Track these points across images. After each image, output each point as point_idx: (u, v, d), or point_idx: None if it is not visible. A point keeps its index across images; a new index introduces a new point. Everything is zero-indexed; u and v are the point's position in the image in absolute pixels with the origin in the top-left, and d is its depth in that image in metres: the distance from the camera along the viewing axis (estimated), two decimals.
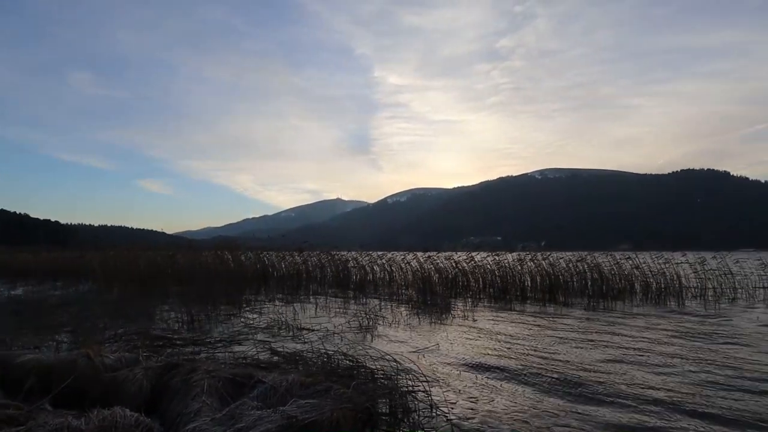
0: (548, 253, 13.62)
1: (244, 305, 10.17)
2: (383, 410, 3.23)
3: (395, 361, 4.01)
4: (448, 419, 3.38)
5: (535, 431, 3.27)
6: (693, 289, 11.72)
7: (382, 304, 10.71)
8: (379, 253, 17.21)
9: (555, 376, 4.57)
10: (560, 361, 5.22)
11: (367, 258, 16.08)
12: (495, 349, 5.90)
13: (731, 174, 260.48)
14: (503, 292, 12.37)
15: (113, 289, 13.33)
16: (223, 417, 2.82)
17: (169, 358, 4.36)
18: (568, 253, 14.13)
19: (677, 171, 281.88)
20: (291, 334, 6.81)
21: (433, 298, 11.01)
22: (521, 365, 5.01)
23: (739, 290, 11.65)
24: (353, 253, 17.53)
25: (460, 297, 12.15)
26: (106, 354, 4.05)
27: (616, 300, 11.12)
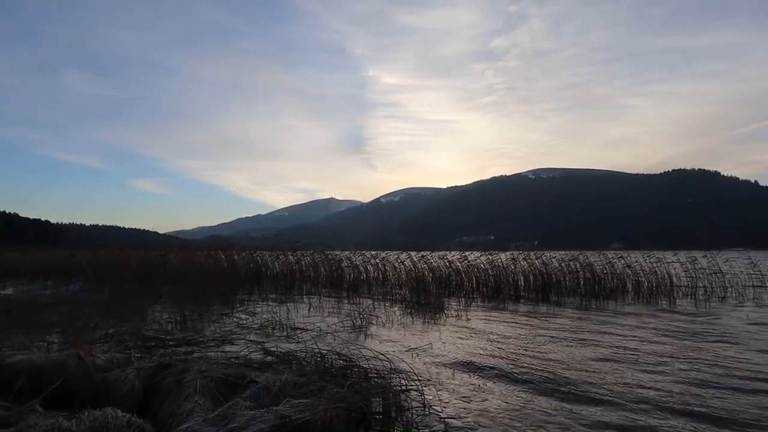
0: (541, 252, 13.69)
1: (237, 305, 10.13)
2: (377, 409, 3.23)
3: (388, 360, 4.02)
4: (441, 418, 3.39)
5: (527, 430, 3.29)
6: (684, 288, 11.83)
7: (376, 303, 10.72)
8: (373, 252, 17.22)
9: (547, 375, 4.59)
10: (552, 360, 5.25)
11: (360, 257, 16.07)
12: (488, 348, 5.93)
13: (721, 174, 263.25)
14: (496, 292, 12.41)
15: (104, 289, 13.22)
16: (215, 417, 2.81)
17: (161, 358, 4.34)
18: (560, 253, 14.20)
19: (669, 171, 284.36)
20: (284, 333, 6.79)
21: (426, 298, 11.03)
22: (514, 365, 5.03)
23: (729, 289, 11.78)
24: (347, 252, 17.52)
25: (453, 296, 12.17)
26: (97, 354, 4.03)
27: (608, 299, 11.20)
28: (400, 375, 3.71)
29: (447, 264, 13.91)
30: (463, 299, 11.59)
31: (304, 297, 12.08)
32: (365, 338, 6.55)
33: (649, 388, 4.19)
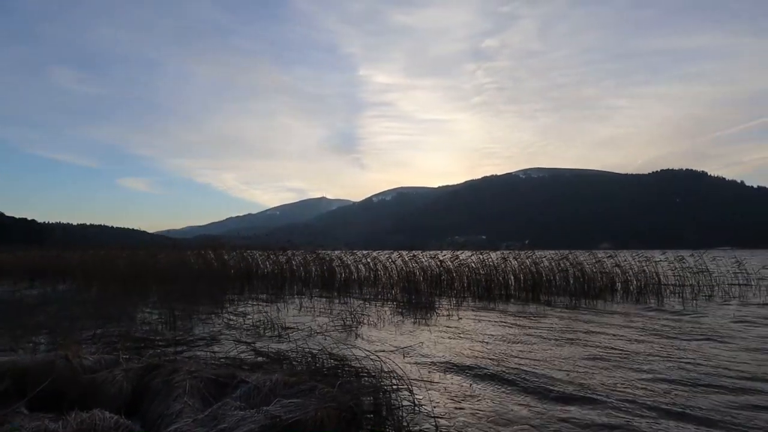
0: (532, 252, 13.77)
1: (227, 305, 10.08)
2: (367, 409, 3.23)
3: (379, 360, 4.02)
4: (431, 417, 3.41)
5: (517, 430, 3.31)
6: (672, 287, 11.97)
7: (367, 303, 10.72)
8: (364, 252, 17.20)
9: (536, 375, 4.63)
10: (541, 360, 5.30)
11: (351, 257, 16.06)
12: (478, 348, 5.95)
13: (709, 174, 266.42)
14: (487, 291, 12.46)
15: (93, 289, 13.08)
16: (205, 418, 2.79)
17: (150, 358, 4.30)
18: (550, 252, 14.31)
19: (657, 171, 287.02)
20: (275, 333, 6.77)
21: (417, 298, 11.05)
22: (503, 365, 5.07)
23: (716, 287, 11.93)
24: (338, 252, 17.49)
25: (444, 296, 12.21)
26: (84, 355, 3.98)
27: (598, 298, 11.29)
28: (391, 374, 3.72)
29: (438, 263, 13.95)
30: (454, 299, 11.63)
31: (295, 297, 12.05)
32: (356, 338, 6.55)
33: (636, 387, 4.23)
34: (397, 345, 6.04)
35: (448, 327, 7.51)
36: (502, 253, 14.16)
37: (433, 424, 3.29)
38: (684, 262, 12.62)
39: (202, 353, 5.12)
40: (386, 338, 6.55)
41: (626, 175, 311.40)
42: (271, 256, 17.11)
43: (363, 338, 6.52)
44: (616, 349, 5.78)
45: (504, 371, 4.74)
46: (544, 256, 13.33)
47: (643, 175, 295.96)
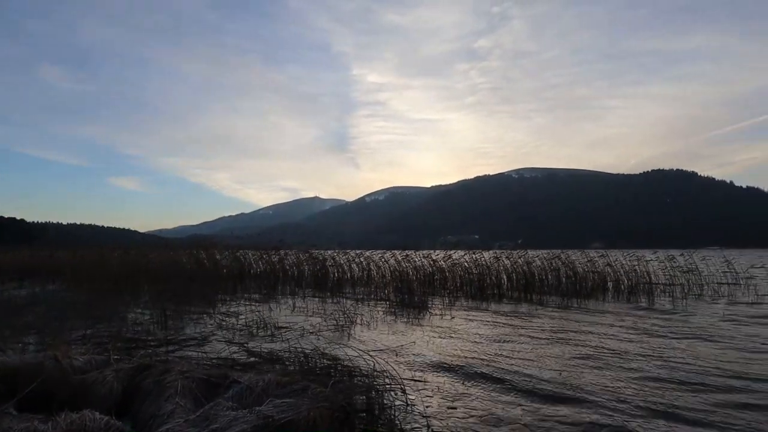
0: (524, 251, 13.84)
1: (220, 305, 10.04)
2: (360, 408, 3.24)
3: (372, 359, 4.02)
4: (423, 417, 3.41)
5: (509, 429, 3.32)
6: (662, 286, 12.08)
7: (360, 303, 10.72)
8: (357, 251, 17.20)
9: (527, 375, 4.66)
10: (534, 360, 5.33)
11: (344, 257, 16.05)
12: (470, 348, 5.98)
13: (699, 174, 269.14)
14: (480, 291, 12.51)
15: (83, 289, 12.96)
16: (197, 418, 2.78)
17: (141, 359, 4.27)
18: (543, 251, 14.39)
19: (648, 171, 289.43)
20: (268, 333, 6.75)
21: (410, 297, 11.07)
22: (496, 364, 5.09)
23: (705, 286, 12.07)
24: (331, 251, 17.47)
25: (437, 295, 12.24)
26: (74, 356, 3.94)
27: (589, 298, 11.37)
28: (384, 374, 3.72)
29: (431, 263, 13.98)
30: (446, 298, 11.66)
31: (288, 297, 12.02)
32: (349, 338, 6.55)
33: (626, 386, 4.27)
34: (389, 345, 6.04)
35: (440, 327, 7.53)
36: (495, 253, 14.22)
37: (426, 423, 3.30)
38: (674, 262, 12.75)
39: (194, 353, 5.09)
40: (379, 338, 6.56)
41: (618, 175, 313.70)
42: (264, 256, 17.06)
43: (356, 338, 6.52)
44: (606, 348, 5.83)
45: (496, 371, 4.76)
46: (537, 256, 13.41)
47: (635, 175, 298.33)
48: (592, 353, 5.54)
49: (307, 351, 4.27)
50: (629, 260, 12.59)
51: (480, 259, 13.52)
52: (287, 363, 4.20)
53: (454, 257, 14.11)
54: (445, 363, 5.08)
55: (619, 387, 4.20)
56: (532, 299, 11.34)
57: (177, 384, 3.26)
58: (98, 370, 3.70)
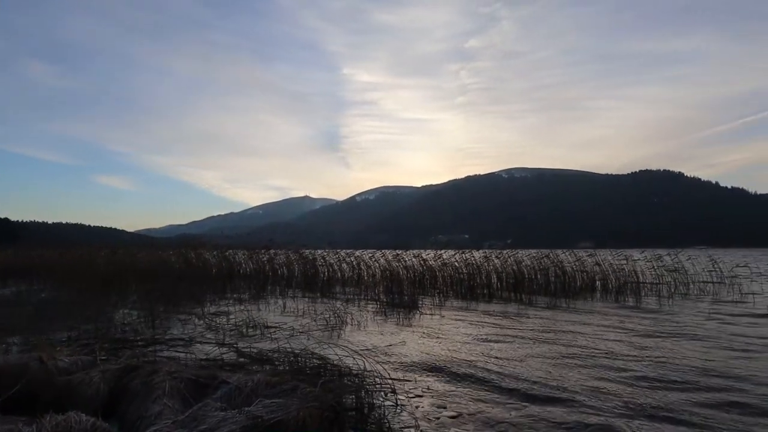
0: (514, 251, 13.92)
1: (209, 305, 9.96)
2: (350, 408, 3.23)
3: (362, 358, 4.02)
4: (413, 418, 3.42)
5: (498, 429, 3.34)
6: (649, 285, 12.23)
7: (350, 302, 10.71)
8: (348, 251, 17.18)
9: (518, 375, 4.69)
10: (523, 360, 5.36)
11: (335, 256, 16.01)
12: (460, 348, 6.00)
13: (685, 175, 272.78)
14: (470, 290, 12.56)
15: (69, 289, 12.77)
16: (185, 419, 2.75)
17: (128, 359, 4.22)
18: (532, 251, 14.50)
19: (636, 171, 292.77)
20: (257, 333, 6.72)
21: (400, 297, 11.08)
22: (486, 365, 5.12)
23: (691, 285, 12.24)
24: (321, 251, 17.42)
25: (427, 295, 12.27)
26: (60, 357, 3.89)
27: (578, 298, 11.47)
28: (373, 374, 3.72)
29: (421, 263, 14.00)
30: (436, 298, 11.69)
31: (278, 296, 11.97)
32: (339, 338, 6.54)
33: (614, 387, 4.32)
34: (379, 344, 6.04)
35: (430, 327, 7.55)
36: (485, 253, 14.29)
37: (415, 423, 3.30)
38: (661, 261, 12.91)
39: (183, 354, 5.05)
40: (369, 338, 6.56)
41: (606, 175, 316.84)
42: (253, 256, 16.97)
43: (346, 338, 6.51)
44: (594, 348, 5.88)
45: (485, 371, 4.78)
46: (526, 255, 13.50)
47: (623, 175, 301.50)
48: (580, 353, 5.59)
49: (296, 351, 4.25)
50: (617, 260, 12.72)
51: (470, 258, 13.57)
52: (277, 363, 4.18)
53: (444, 257, 14.15)
54: (435, 363, 5.09)
55: (605, 387, 4.24)
56: (522, 299, 11.41)
57: (165, 385, 3.23)
58: (84, 371, 3.66)
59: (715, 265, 13.18)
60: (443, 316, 8.61)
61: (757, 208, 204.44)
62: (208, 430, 2.58)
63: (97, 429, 2.66)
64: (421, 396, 3.96)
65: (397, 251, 15.22)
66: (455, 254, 14.23)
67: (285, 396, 3.01)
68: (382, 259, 14.55)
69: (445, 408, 3.69)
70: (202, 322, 7.74)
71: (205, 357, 4.64)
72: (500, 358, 5.32)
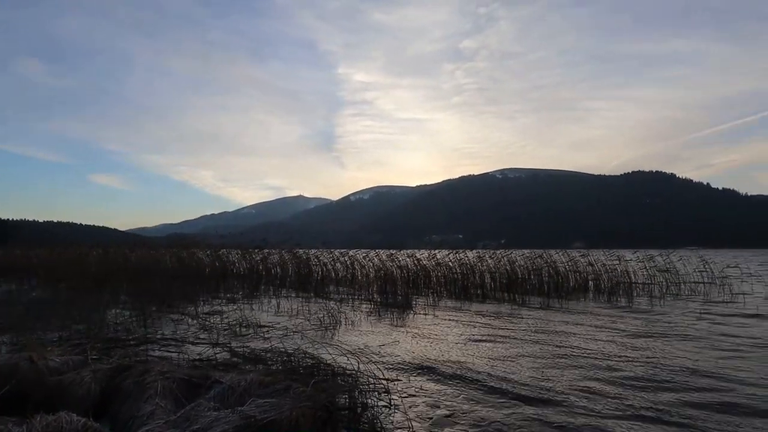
0: (508, 251, 13.97)
1: (202, 304, 9.91)
2: (343, 408, 3.23)
3: (356, 357, 4.02)
4: (406, 417, 3.42)
5: (490, 429, 3.35)
6: (641, 285, 12.31)
7: (344, 302, 10.70)
8: (342, 251, 17.16)
9: (510, 376, 4.71)
10: (516, 361, 5.39)
11: (329, 256, 15.99)
12: (453, 348, 6.02)
13: (677, 176, 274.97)
14: (464, 290, 12.59)
15: (61, 288, 12.66)
16: (178, 419, 2.75)
17: (120, 359, 4.20)
18: (526, 251, 14.55)
19: (629, 172, 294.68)
20: (250, 332, 6.69)
21: (394, 297, 11.09)
22: (479, 365, 5.14)
23: (683, 286, 12.34)
24: (315, 251, 17.39)
25: (421, 295, 12.28)
26: (51, 356, 3.86)
27: (571, 298, 11.52)
28: (366, 374, 3.73)
29: (415, 263, 14.01)
30: (430, 298, 11.71)
31: (271, 296, 11.93)
32: (332, 337, 6.53)
33: (606, 388, 4.35)
34: (373, 344, 6.05)
35: (424, 327, 7.56)
36: (479, 253, 14.32)
37: (408, 423, 3.31)
38: (653, 262, 13.00)
39: (175, 353, 5.03)
40: (362, 338, 6.56)
41: (600, 176, 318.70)
42: (247, 255, 16.91)
43: (339, 338, 6.51)
44: (586, 348, 5.92)
45: (478, 371, 4.80)
46: (520, 255, 13.54)
47: (616, 176, 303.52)
48: (572, 353, 5.62)
49: (290, 351, 4.24)
50: (610, 260, 12.80)
51: (464, 258, 13.60)
52: (270, 363, 4.17)
53: (438, 257, 14.17)
54: (428, 363, 5.10)
55: (597, 387, 4.27)
56: (515, 299, 11.45)
57: (157, 385, 3.22)
58: (75, 370, 3.63)
59: (706, 266, 13.29)
60: (437, 316, 8.62)
61: (747, 209, 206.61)
62: (200, 430, 2.57)
63: (89, 429, 2.65)
64: (414, 396, 3.97)
65: (391, 251, 15.22)
66: (449, 254, 14.26)
67: (278, 396, 3.01)
68: (376, 259, 14.55)
69: (437, 408, 3.70)
70: (195, 321, 7.71)
71: (197, 356, 4.63)
72: (493, 359, 5.34)
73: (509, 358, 5.33)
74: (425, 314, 8.86)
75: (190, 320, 7.84)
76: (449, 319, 8.30)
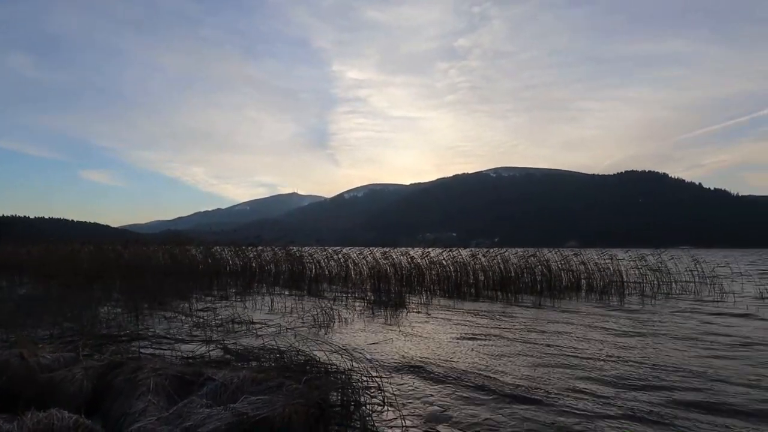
0: (501, 250, 14.02)
1: (195, 301, 9.88)
2: (335, 405, 3.24)
3: (349, 354, 4.04)
4: (399, 414, 3.44)
5: (483, 429, 3.38)
6: (633, 284, 12.42)
7: (337, 300, 10.70)
8: (336, 248, 17.15)
9: (503, 375, 4.74)
10: (508, 360, 5.43)
11: (322, 254, 15.98)
12: (446, 347, 6.04)
13: (669, 176, 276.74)
14: (457, 288, 12.63)
15: (52, 285, 12.56)
16: (170, 416, 2.74)
17: (112, 356, 4.18)
18: (519, 250, 14.61)
19: (622, 172, 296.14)
20: (243, 330, 6.69)
21: (387, 295, 11.10)
22: (471, 364, 5.17)
23: (674, 285, 12.46)
24: (309, 248, 17.37)
25: (415, 293, 12.31)
26: (42, 353, 3.84)
27: (563, 297, 11.59)
28: (360, 371, 3.74)
29: (409, 261, 14.04)
30: (423, 296, 11.74)
31: (265, 293, 11.91)
32: (325, 335, 6.54)
33: (596, 387, 4.39)
34: (366, 342, 6.06)
35: (417, 325, 7.58)
36: (472, 251, 14.37)
37: (400, 421, 3.32)
38: (644, 261, 13.11)
39: (168, 350, 5.01)
40: (356, 335, 6.57)
41: (593, 175, 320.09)
42: (240, 253, 16.86)
43: (332, 335, 6.52)
44: (578, 348, 5.97)
45: (471, 370, 4.83)
46: (513, 254, 13.61)
47: (609, 175, 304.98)
48: (563, 353, 5.66)
49: (282, 348, 4.24)
50: (602, 259, 12.89)
51: (457, 257, 13.64)
52: (263, 360, 4.17)
53: (431, 255, 14.20)
54: (421, 361, 5.12)
55: (588, 386, 4.31)
56: (508, 297, 11.51)
57: (149, 381, 3.21)
58: (67, 367, 3.62)
59: (697, 265, 13.42)
60: (430, 315, 8.65)
61: (738, 209, 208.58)
62: (193, 427, 2.57)
63: (80, 426, 2.64)
64: (406, 393, 3.99)
65: (384, 249, 15.24)
66: (442, 252, 14.29)
67: (270, 393, 3.01)
68: (369, 257, 14.56)
69: (430, 405, 3.72)
70: (187, 318, 7.68)
71: (190, 353, 4.62)
72: (485, 357, 5.37)
73: (501, 357, 5.37)
74: (419, 312, 8.89)
75: (182, 317, 7.81)
76: (443, 318, 8.33)
